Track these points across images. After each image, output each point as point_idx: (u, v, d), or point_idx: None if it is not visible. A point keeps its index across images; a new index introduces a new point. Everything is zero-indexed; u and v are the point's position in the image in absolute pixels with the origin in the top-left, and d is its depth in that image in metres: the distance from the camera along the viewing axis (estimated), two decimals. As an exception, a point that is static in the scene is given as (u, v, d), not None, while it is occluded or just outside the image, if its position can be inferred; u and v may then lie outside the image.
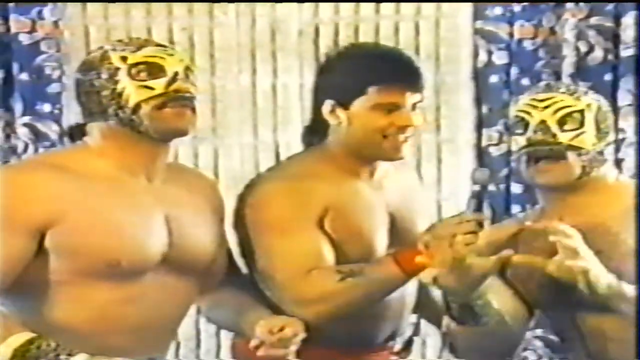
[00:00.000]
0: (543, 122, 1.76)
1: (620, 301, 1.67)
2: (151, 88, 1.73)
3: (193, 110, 1.76)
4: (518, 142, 1.79)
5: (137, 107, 1.73)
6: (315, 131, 2.00)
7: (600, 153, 1.79)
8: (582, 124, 1.76)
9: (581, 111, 1.77)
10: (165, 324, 1.82)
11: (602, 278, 1.65)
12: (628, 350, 1.69)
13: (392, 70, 1.91)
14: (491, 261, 1.66)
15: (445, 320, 1.78)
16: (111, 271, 1.71)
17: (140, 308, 1.76)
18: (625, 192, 1.81)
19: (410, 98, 1.90)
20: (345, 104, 1.93)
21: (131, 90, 1.73)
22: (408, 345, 2.08)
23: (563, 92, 1.79)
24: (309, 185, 1.93)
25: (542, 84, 1.90)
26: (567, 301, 1.78)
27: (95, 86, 1.75)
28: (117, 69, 1.74)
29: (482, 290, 1.71)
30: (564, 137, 1.75)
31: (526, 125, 1.78)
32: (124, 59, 1.75)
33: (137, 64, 1.74)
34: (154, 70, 1.74)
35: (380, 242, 1.96)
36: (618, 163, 1.86)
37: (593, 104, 1.80)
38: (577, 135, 1.76)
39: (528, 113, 1.78)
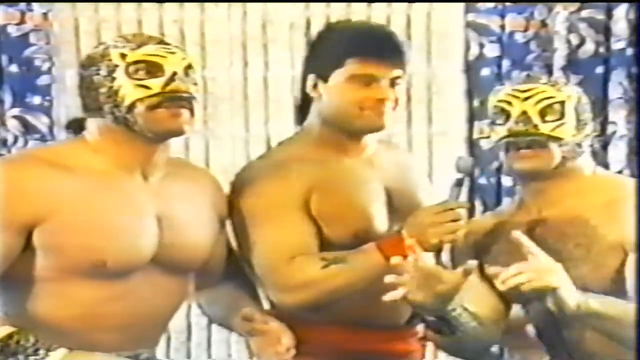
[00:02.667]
0: (524, 112, 1.77)
1: (589, 319, 1.67)
2: (147, 87, 1.71)
3: (191, 110, 1.73)
4: (498, 132, 1.80)
5: (132, 106, 1.71)
6: (305, 111, 2.00)
7: (579, 144, 1.80)
8: (562, 115, 1.77)
9: (562, 102, 1.78)
10: (154, 321, 1.81)
11: (571, 298, 1.64)
12: (605, 341, 1.70)
13: (371, 43, 1.91)
14: (458, 275, 1.68)
15: (423, 329, 1.79)
16: (97, 270, 1.70)
17: (127, 306, 1.74)
18: (603, 185, 1.82)
19: (388, 71, 1.90)
20: (325, 78, 1.94)
21: (127, 89, 1.71)
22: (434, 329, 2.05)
23: (545, 84, 1.80)
24: (292, 169, 1.92)
25: (523, 75, 1.90)
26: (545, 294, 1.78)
27: (94, 82, 1.74)
28: (116, 66, 1.72)
29: (456, 300, 1.71)
30: (545, 128, 1.76)
31: (507, 115, 1.78)
32: (123, 56, 1.72)
33: (135, 62, 1.72)
34: (153, 69, 1.71)
35: (378, 218, 1.94)
36: (595, 155, 1.87)
37: (573, 95, 1.81)
38: (558, 126, 1.77)
39: (509, 103, 1.79)
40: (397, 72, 1.91)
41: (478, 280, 1.80)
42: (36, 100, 2.84)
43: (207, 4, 2.99)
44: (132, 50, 1.73)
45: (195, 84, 1.76)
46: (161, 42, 1.78)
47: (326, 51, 1.95)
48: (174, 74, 1.71)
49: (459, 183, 1.79)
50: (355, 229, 1.90)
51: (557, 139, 1.76)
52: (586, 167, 1.84)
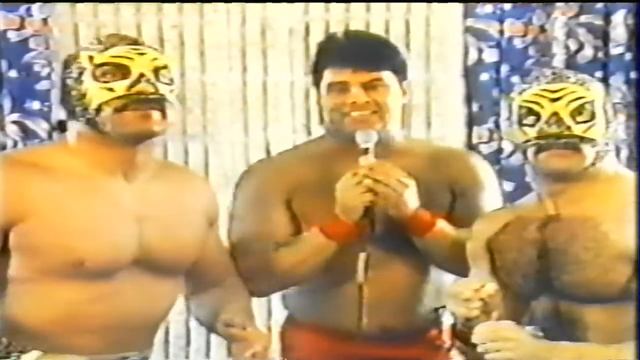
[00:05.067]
0: (556, 114, 1.73)
1: None
2: (112, 90, 1.70)
3: (162, 111, 1.72)
4: (527, 133, 1.76)
5: (99, 109, 1.70)
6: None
7: (607, 143, 1.77)
8: (593, 115, 1.74)
9: (592, 102, 1.75)
10: (141, 323, 1.79)
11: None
12: (607, 340, 1.70)
13: (341, 51, 2.02)
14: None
15: (457, 343, 1.79)
16: (75, 271, 1.69)
17: (110, 308, 1.73)
18: (623, 187, 1.77)
19: (360, 76, 1.97)
20: (318, 90, 2.05)
21: (94, 92, 1.71)
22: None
23: (574, 83, 1.76)
24: (279, 167, 2.08)
25: (549, 72, 1.83)
26: (550, 291, 1.79)
27: (67, 85, 1.74)
28: (84, 69, 1.72)
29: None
30: (578, 129, 1.73)
31: (536, 116, 1.75)
32: (91, 58, 1.72)
33: (102, 64, 1.71)
34: (119, 71, 1.70)
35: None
36: (618, 154, 1.83)
37: (600, 93, 1.78)
38: (590, 127, 1.74)
39: (538, 104, 1.75)
40: (372, 75, 1.98)
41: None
42: (35, 105, 2.84)
43: (206, 10, 3.00)
44: (100, 53, 1.73)
45: (170, 84, 1.74)
46: (134, 42, 1.76)
47: (313, 66, 2.07)
48: (141, 75, 1.70)
49: (365, 151, 1.93)
50: None
51: (589, 140, 1.74)
52: (609, 166, 1.80)
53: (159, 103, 1.71)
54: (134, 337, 1.80)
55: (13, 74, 2.82)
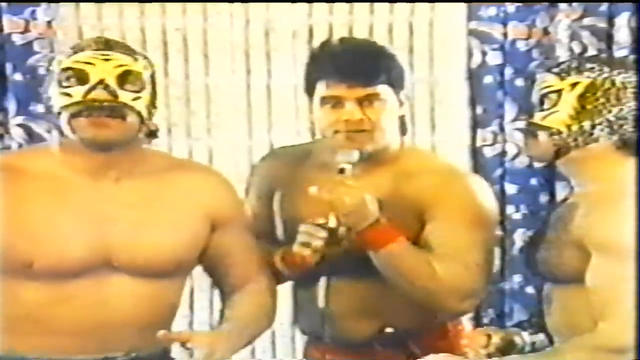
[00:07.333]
0: (531, 103, 1.82)
1: None
2: (69, 95, 1.70)
3: (122, 118, 1.70)
4: None
5: (59, 115, 1.72)
6: None
7: (585, 132, 1.75)
8: (555, 104, 1.76)
9: (558, 91, 1.76)
10: (126, 325, 1.76)
11: None
12: (587, 321, 1.70)
13: (335, 65, 1.90)
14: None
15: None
16: (26, 272, 1.69)
17: (82, 309, 1.72)
18: (618, 176, 1.74)
19: (354, 92, 1.89)
20: (311, 99, 1.99)
21: (55, 97, 1.72)
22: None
23: (554, 72, 1.79)
24: (270, 162, 2.12)
25: (535, 63, 1.93)
26: (539, 273, 1.82)
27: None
28: (53, 73, 1.74)
29: None
30: (536, 117, 1.79)
31: None
32: (59, 63, 1.74)
33: (65, 69, 1.72)
34: (80, 76, 1.70)
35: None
36: (625, 142, 1.77)
37: (582, 82, 1.76)
38: (548, 115, 1.77)
39: None
40: (368, 90, 1.90)
41: None
42: (40, 108, 2.83)
43: (209, 12, 3.00)
44: (67, 58, 1.73)
45: (138, 91, 1.72)
46: (107, 47, 1.74)
47: (306, 75, 1.99)
48: (99, 82, 1.69)
49: (341, 171, 1.86)
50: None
51: (546, 128, 1.76)
52: (611, 152, 1.77)
53: (116, 111, 1.70)
54: (121, 338, 1.76)
55: (18, 76, 2.82)
